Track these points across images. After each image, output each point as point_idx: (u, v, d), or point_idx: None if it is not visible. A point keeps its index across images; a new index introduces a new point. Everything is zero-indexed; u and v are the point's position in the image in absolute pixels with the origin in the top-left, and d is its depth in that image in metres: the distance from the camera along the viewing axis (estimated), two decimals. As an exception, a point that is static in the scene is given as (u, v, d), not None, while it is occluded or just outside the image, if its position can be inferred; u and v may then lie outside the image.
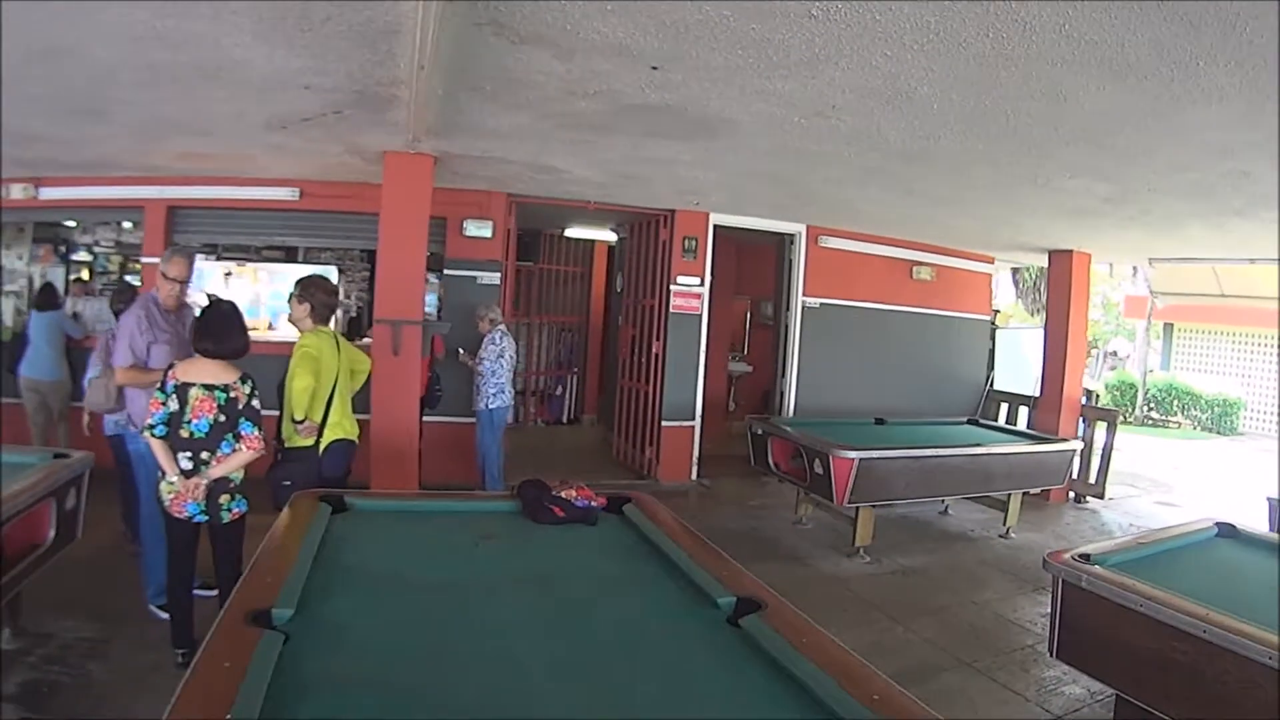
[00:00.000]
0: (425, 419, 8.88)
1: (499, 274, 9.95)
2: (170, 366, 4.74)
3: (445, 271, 10.14)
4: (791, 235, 11.06)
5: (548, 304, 14.69)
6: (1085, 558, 4.22)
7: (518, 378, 14.03)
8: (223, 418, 4.66)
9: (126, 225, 11.92)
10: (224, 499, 4.73)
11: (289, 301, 5.69)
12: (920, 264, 11.82)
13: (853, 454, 7.17)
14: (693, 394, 10.66)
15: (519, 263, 13.88)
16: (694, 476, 10.68)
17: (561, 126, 6.15)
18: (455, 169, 8.21)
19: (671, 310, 10.50)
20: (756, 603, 2.93)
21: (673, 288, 10.48)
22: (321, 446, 5.45)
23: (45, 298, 9.32)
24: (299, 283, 5.70)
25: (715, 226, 10.53)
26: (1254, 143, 5.20)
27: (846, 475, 7.15)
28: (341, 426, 5.57)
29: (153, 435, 4.59)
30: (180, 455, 4.62)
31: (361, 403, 7.18)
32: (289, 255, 11.59)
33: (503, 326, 8.93)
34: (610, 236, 13.38)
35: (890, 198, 8.36)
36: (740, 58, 4.40)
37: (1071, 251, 11.11)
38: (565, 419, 14.99)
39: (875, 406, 10.17)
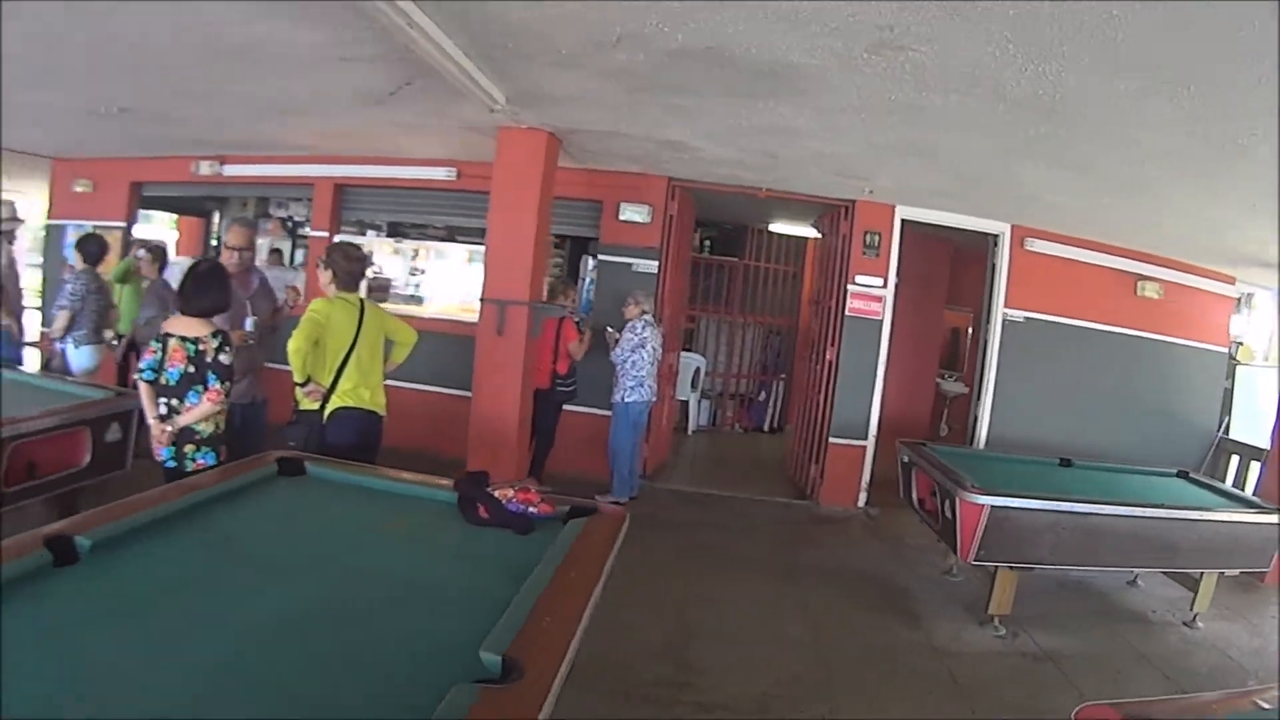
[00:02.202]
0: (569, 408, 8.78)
1: (656, 262, 9.34)
2: (165, 319, 5.04)
3: (599, 257, 9.75)
4: (996, 236, 9.38)
5: (755, 304, 13.75)
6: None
7: (716, 379, 13.24)
8: (192, 369, 4.79)
9: (319, 201, 12.21)
10: (189, 448, 4.85)
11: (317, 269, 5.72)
12: (1147, 278, 9.60)
13: (984, 499, 5.68)
14: (867, 410, 9.29)
15: (722, 257, 13.39)
16: (860, 504, 9.34)
17: (630, 89, 5.64)
18: (585, 146, 7.95)
19: (847, 313, 9.21)
20: (510, 671, 2.28)
21: (850, 288, 9.17)
22: (326, 413, 5.38)
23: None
24: (325, 250, 5.73)
25: (903, 221, 9.16)
26: None
27: (975, 524, 5.68)
28: (355, 395, 5.43)
29: (140, 379, 4.84)
30: (160, 400, 4.82)
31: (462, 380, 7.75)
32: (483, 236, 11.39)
33: (649, 317, 8.39)
34: (813, 233, 12.07)
35: (1066, 179, 6.69)
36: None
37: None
38: (767, 427, 13.98)
39: (1077, 444, 8.38)
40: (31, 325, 9.96)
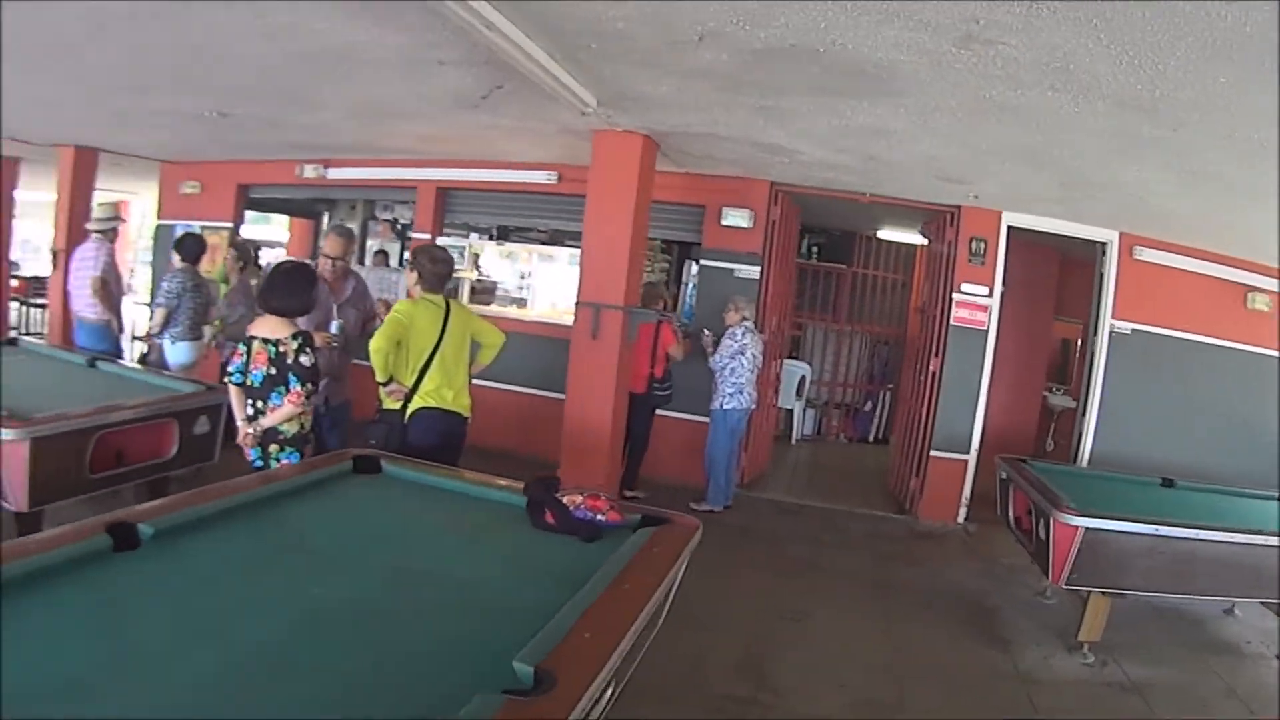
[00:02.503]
0: (659, 413, 8.73)
1: (758, 268, 9.20)
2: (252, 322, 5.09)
3: (701, 262, 9.67)
4: (1103, 244, 8.90)
5: (862, 312, 13.46)
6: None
7: (821, 388, 13.02)
8: (273, 370, 4.83)
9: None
10: (273, 449, 4.91)
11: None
12: (1257, 290, 8.93)
13: (1078, 520, 5.38)
14: (969, 423, 8.96)
15: (830, 264, 13.46)
16: (959, 519, 9.00)
17: (719, 88, 5.46)
18: (684, 150, 7.83)
19: (952, 322, 8.90)
20: (541, 683, 2.20)
21: (955, 296, 8.86)
22: (407, 413, 5.37)
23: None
24: (411, 251, 5.96)
25: (1010, 228, 8.79)
26: None
27: (1068, 546, 5.40)
28: (438, 395, 5.40)
29: (230, 382, 4.96)
30: (247, 402, 4.91)
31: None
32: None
33: (749, 324, 8.30)
34: (920, 240, 11.73)
35: (1170, 181, 6.25)
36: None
37: None
38: (872, 437, 13.66)
39: (1183, 463, 7.92)
40: (141, 321, 10.31)
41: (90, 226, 8.49)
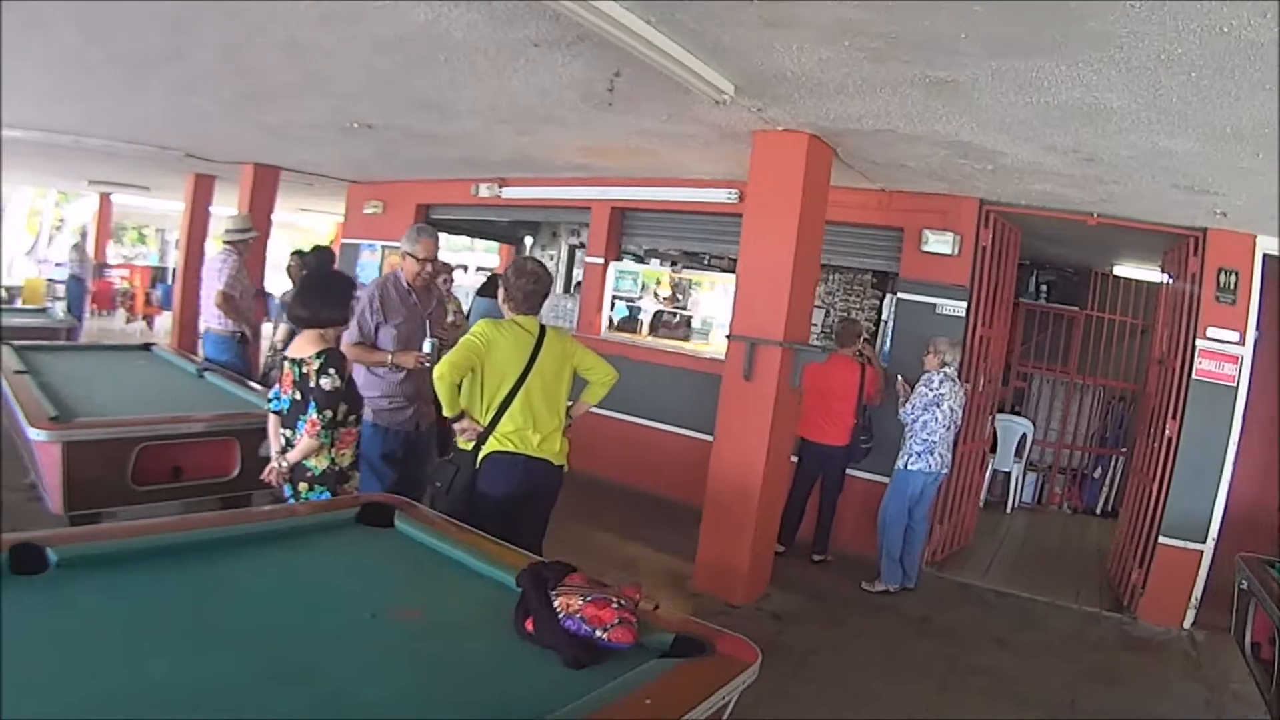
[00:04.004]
0: (850, 472, 7.87)
1: (965, 304, 7.89)
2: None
3: (899, 295, 8.47)
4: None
5: (1096, 362, 11.64)
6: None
7: (1045, 449, 11.66)
8: (298, 395, 4.24)
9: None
10: (302, 487, 4.28)
11: None
12: None
13: None
14: (1209, 504, 7.11)
15: (1061, 306, 12.03)
16: (1187, 624, 7.18)
17: (871, 56, 4.32)
18: (867, 156, 6.78)
19: (1194, 376, 7.17)
20: None
21: (1199, 344, 7.14)
22: (479, 456, 4.54)
23: (487, 287, 10.01)
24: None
25: (1265, 256, 7.06)
26: None
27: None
28: (519, 439, 4.53)
29: (269, 409, 4.44)
30: (282, 432, 4.36)
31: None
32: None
33: (950, 370, 7.05)
34: (1161, 277, 9.91)
35: None
36: None
37: None
38: (1099, 509, 11.74)
39: None
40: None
41: (223, 238, 8.48)
